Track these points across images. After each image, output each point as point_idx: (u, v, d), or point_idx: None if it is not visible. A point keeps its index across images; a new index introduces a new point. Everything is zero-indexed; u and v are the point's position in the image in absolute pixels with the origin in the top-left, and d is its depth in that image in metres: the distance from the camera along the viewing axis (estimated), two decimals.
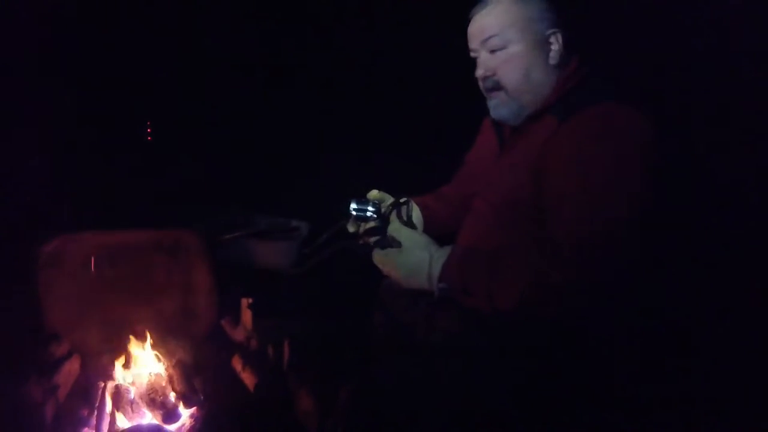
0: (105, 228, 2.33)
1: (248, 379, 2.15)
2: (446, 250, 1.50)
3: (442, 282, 1.46)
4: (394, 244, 1.54)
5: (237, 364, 2.24)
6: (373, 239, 1.61)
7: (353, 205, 1.73)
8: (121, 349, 2.07)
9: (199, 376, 2.10)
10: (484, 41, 1.61)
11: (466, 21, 1.67)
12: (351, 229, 1.80)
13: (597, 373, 1.45)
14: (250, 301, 2.47)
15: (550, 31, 1.58)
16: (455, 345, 1.53)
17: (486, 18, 1.60)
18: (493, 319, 1.49)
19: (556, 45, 1.58)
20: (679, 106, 1.99)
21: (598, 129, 1.43)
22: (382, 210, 1.72)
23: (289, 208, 2.71)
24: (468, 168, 1.97)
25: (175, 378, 2.00)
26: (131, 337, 2.10)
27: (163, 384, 1.97)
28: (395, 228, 1.59)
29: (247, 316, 2.46)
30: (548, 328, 1.41)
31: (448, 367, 1.48)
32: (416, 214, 1.88)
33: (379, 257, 1.57)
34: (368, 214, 1.70)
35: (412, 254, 1.51)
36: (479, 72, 1.65)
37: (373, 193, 1.87)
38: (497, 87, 1.62)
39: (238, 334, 2.47)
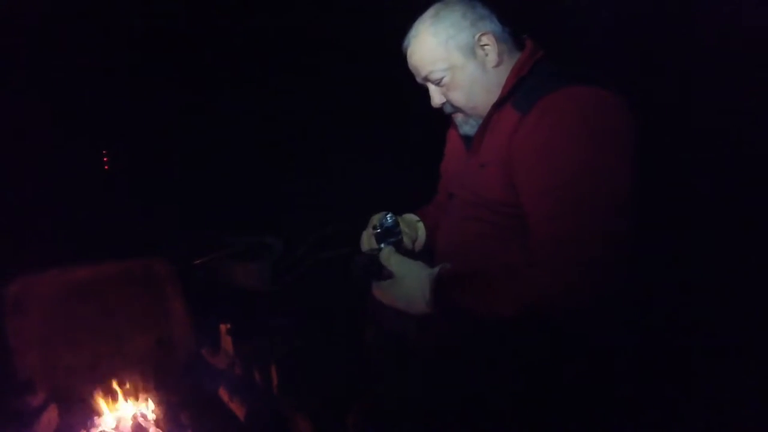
0: (71, 262, 2.21)
1: (237, 408, 2.07)
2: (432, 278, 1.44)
3: (438, 307, 1.41)
4: (387, 274, 1.49)
5: (224, 393, 2.15)
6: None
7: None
8: (101, 391, 1.96)
9: (186, 411, 2.01)
10: (425, 78, 1.60)
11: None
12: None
13: (593, 376, 1.42)
14: (229, 325, 2.38)
15: (478, 35, 1.54)
16: (450, 350, 1.50)
17: (414, 57, 1.59)
18: (488, 321, 1.45)
19: (489, 45, 1.54)
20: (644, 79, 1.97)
21: (561, 116, 1.38)
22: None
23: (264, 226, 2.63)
24: (445, 176, 1.93)
25: (160, 416, 1.91)
26: (110, 377, 1.99)
27: (149, 424, 1.87)
28: (385, 257, 1.53)
29: (227, 341, 2.37)
30: (543, 331, 1.37)
31: (447, 373, 1.45)
32: (420, 228, 1.85)
33: (377, 291, 1.52)
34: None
35: (405, 284, 1.46)
36: (433, 103, 1.63)
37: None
38: (454, 110, 1.63)
39: (221, 362, 2.37)
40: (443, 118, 1.75)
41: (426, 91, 1.65)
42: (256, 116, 3.11)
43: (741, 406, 1.67)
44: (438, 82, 1.58)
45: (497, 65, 1.56)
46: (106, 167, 2.90)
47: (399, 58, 1.65)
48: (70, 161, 2.72)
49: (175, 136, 2.96)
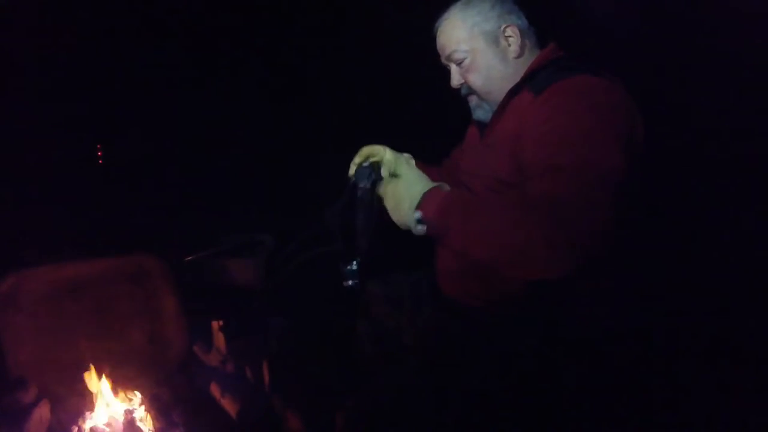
0: (63, 258, 2.21)
1: (229, 405, 2.08)
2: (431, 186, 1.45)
3: (417, 212, 1.41)
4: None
5: (215, 390, 2.16)
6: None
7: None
8: (93, 388, 1.96)
9: (177, 407, 2.01)
10: (448, 56, 1.68)
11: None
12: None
13: (591, 376, 1.43)
14: (221, 323, 2.38)
15: (503, 26, 1.62)
16: (443, 347, 1.53)
17: (442, 36, 1.68)
18: (481, 316, 1.50)
19: (513, 37, 1.62)
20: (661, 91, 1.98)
21: (570, 96, 1.43)
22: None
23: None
24: (452, 161, 1.94)
25: (152, 413, 1.92)
26: (102, 374, 1.99)
27: (141, 421, 1.88)
28: (390, 160, 1.59)
29: (219, 339, 2.37)
30: (540, 330, 1.40)
31: (441, 369, 1.46)
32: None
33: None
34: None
35: (402, 187, 1.48)
36: (453, 83, 1.70)
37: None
38: (470, 92, 1.69)
39: (213, 359, 2.38)
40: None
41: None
42: (250, 114, 3.12)
43: (741, 407, 1.68)
44: (459, 63, 1.66)
45: (518, 56, 1.63)
46: (100, 161, 2.90)
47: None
48: (63, 157, 2.71)
49: (168, 133, 2.96)
